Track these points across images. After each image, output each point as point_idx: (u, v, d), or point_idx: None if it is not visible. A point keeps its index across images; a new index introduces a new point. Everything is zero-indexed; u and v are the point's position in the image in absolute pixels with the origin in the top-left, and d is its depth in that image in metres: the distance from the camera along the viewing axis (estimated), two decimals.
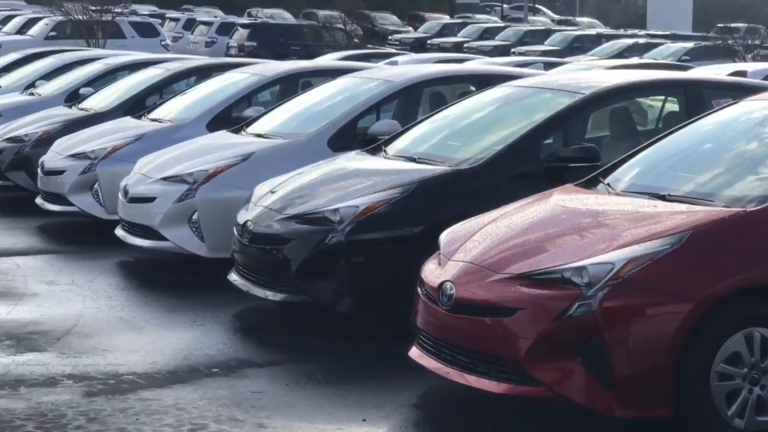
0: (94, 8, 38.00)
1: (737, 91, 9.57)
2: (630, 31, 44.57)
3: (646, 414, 6.39)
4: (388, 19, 56.75)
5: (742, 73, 17.46)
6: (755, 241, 6.58)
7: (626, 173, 7.76)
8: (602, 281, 6.36)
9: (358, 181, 9.09)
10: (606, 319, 6.30)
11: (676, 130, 8.20)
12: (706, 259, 6.53)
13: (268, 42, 37.50)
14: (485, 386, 6.70)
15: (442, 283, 6.98)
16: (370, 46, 36.03)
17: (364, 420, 7.05)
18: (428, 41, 44.61)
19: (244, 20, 46.85)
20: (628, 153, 8.07)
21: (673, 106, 10.01)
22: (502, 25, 50.31)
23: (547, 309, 6.47)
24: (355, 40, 41.91)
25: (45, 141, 14.33)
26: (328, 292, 8.67)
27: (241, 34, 41.21)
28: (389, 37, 48.66)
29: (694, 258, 6.50)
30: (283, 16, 51.27)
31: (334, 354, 8.41)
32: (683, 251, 6.46)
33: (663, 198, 7.18)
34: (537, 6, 64.01)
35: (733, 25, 45.41)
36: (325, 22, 46.93)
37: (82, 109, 16.28)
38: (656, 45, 35.22)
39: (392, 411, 7.18)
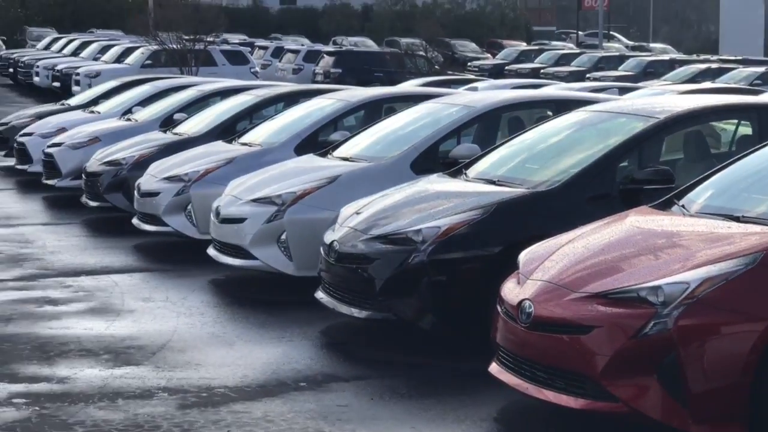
0: (187, 38, 38.47)
1: None
2: (702, 57, 44.10)
3: (720, 430, 6.31)
4: (467, 47, 56.88)
5: None
6: None
7: (700, 195, 7.68)
8: (677, 300, 6.29)
9: (439, 203, 9.08)
10: (681, 337, 6.23)
11: (750, 153, 8.10)
12: None
13: (353, 69, 37.63)
14: (563, 401, 6.65)
15: (521, 302, 6.95)
16: (450, 72, 35.99)
17: None
18: (506, 67, 44.57)
19: (330, 48, 47.15)
20: (702, 175, 8.00)
21: (746, 129, 9.90)
22: (578, 51, 50.08)
23: (624, 327, 6.41)
24: (436, 66, 41.85)
25: (141, 164, 14.41)
26: (411, 310, 8.66)
27: (327, 61, 41.40)
28: (468, 64, 48.72)
29: (767, 278, 6.41)
30: (366, 43, 51.59)
31: (417, 369, 8.40)
32: (757, 271, 6.37)
33: (737, 219, 7.09)
34: (612, 33, 63.66)
35: None
36: (407, 50, 47.06)
37: (176, 134, 16.32)
38: (728, 70, 34.84)
39: (473, 424, 7.17)
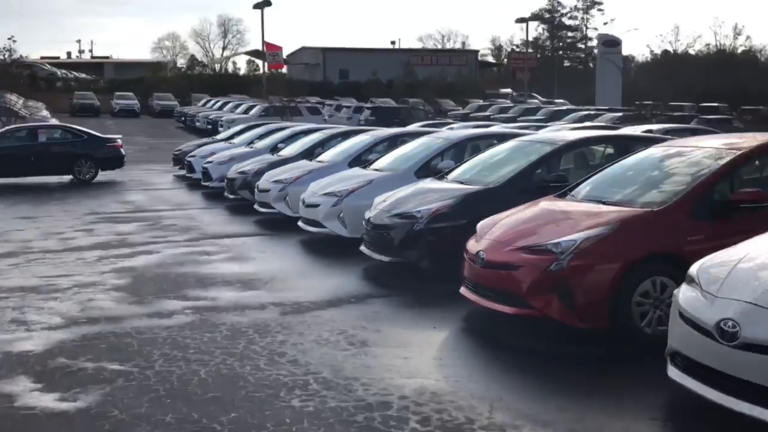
0: (286, 99, 38.99)
1: (648, 141, 9.48)
2: (585, 107, 43.95)
3: (594, 326, 6.40)
4: (448, 103, 57.18)
5: (650, 131, 17.34)
6: (657, 228, 6.56)
7: (583, 189, 7.73)
8: (569, 250, 6.40)
9: (431, 195, 9.14)
10: (571, 272, 6.34)
11: (611, 164, 8.16)
12: (629, 238, 6.50)
13: (382, 117, 37.43)
14: (502, 309, 6.77)
15: (478, 252, 7.06)
16: (438, 118, 36.13)
17: (434, 327, 7.16)
18: (470, 115, 44.42)
19: (368, 105, 47.34)
20: (584, 178, 8.05)
21: (609, 150, 9.95)
22: (512, 105, 50.02)
23: (538, 266, 6.52)
24: (429, 115, 42.43)
25: (258, 174, 14.41)
26: (415, 257, 8.79)
27: (366, 113, 41.37)
28: (449, 113, 48.81)
29: (622, 237, 6.49)
30: (389, 102, 51.65)
31: (420, 291, 8.46)
32: (616, 233, 6.47)
33: (604, 203, 7.16)
34: (532, 94, 63.62)
35: (645, 102, 44.92)
36: (412, 106, 47.72)
37: (279, 156, 16.01)
38: (600, 115, 34.67)
39: (450, 324, 7.24)
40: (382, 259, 9.21)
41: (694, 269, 5.17)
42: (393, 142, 13.72)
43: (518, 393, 5.46)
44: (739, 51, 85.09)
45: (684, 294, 5.03)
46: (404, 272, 8.94)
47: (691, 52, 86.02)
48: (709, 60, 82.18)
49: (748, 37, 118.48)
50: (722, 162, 6.88)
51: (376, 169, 11.75)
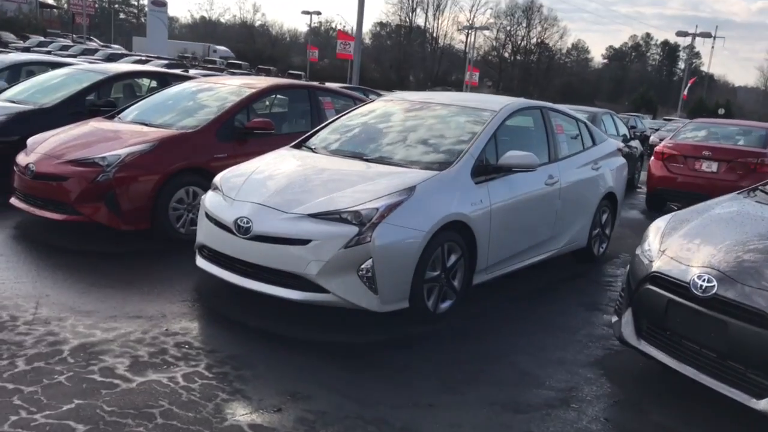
0: None
1: (183, 78, 8.88)
2: (138, 53, 40.17)
3: (137, 227, 5.82)
4: (9, 36, 45.14)
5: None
6: (190, 147, 6.16)
7: (130, 113, 6.95)
8: (115, 163, 5.69)
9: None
10: (117, 182, 5.67)
11: (154, 93, 7.45)
12: (167, 154, 5.97)
13: None
14: (52, 216, 5.79)
15: (27, 164, 5.94)
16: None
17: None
18: (31, 49, 36.75)
19: None
20: (131, 103, 7.25)
21: (154, 84, 9.05)
22: (72, 44, 42.50)
23: (86, 177, 5.68)
24: None
25: None
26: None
27: None
28: (9, 45, 38.86)
29: (161, 153, 5.93)
30: None
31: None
32: (156, 149, 5.91)
33: (147, 125, 6.51)
34: (91, 37, 57.25)
35: (186, 54, 43.68)
36: None
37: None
38: (149, 61, 31.45)
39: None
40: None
41: (218, 179, 4.99)
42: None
43: (65, 290, 4.69)
44: (257, 24, 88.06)
45: (210, 199, 4.81)
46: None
47: (222, 20, 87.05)
48: (235, 29, 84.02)
49: (263, 14, 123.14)
50: (241, 96, 6.76)
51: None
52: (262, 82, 7.34)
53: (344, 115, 6.03)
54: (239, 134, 6.49)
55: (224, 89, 7.11)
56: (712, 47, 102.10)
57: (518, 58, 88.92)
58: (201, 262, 4.73)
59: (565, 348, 4.35)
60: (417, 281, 4.26)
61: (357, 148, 5.26)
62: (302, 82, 7.71)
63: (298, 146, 5.62)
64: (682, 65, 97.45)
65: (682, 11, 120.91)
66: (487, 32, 78.77)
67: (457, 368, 3.90)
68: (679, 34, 38.05)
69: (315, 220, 4.18)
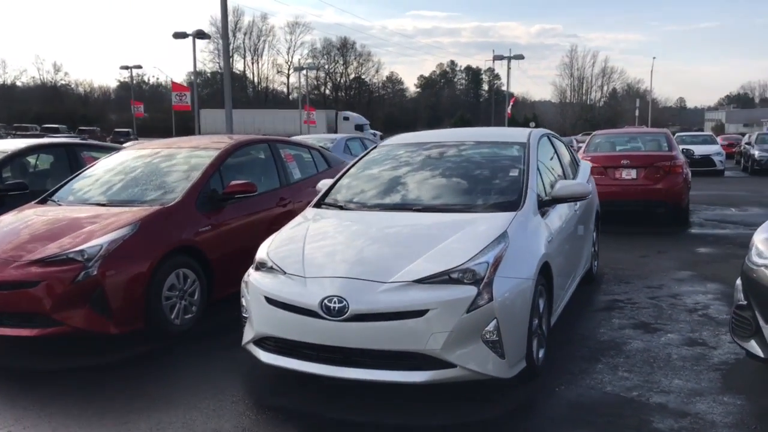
0: None
1: (106, 148, 7.80)
2: None
3: (131, 328, 4.81)
4: None
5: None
6: (174, 223, 5.26)
7: (67, 194, 5.87)
8: (97, 256, 4.67)
9: None
10: (104, 278, 4.64)
11: (88, 168, 6.37)
12: (152, 235, 5.03)
13: None
14: (21, 333, 4.62)
15: None
16: None
17: None
18: None
19: None
20: (62, 183, 6.07)
21: (51, 158, 7.80)
22: None
23: (62, 278, 4.58)
24: None
25: None
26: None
27: None
28: None
29: (146, 236, 4.96)
30: None
31: None
32: (139, 232, 4.95)
33: (104, 205, 5.48)
34: None
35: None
36: None
37: None
38: None
39: None
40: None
41: (265, 256, 4.22)
42: None
43: (59, 424, 3.70)
44: (59, 84, 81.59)
45: (265, 281, 4.02)
46: None
47: (19, 83, 79.82)
48: (35, 90, 77.43)
49: (66, 73, 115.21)
50: (211, 158, 5.92)
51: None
52: (218, 140, 6.53)
53: (355, 165, 5.46)
54: (217, 201, 5.68)
55: (181, 153, 6.23)
56: (509, 68, 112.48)
57: (340, 94, 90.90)
58: (268, 356, 3.93)
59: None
60: (529, 335, 3.86)
61: (395, 199, 4.78)
62: (261, 136, 6.97)
63: (317, 205, 5.01)
64: (486, 87, 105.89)
65: (474, 39, 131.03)
66: (307, 72, 79.71)
67: None
68: (497, 58, 41.10)
69: (423, 287, 3.60)
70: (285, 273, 3.96)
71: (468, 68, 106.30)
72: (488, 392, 3.88)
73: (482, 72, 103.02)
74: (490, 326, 3.57)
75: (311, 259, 3.99)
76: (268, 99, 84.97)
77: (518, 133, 5.41)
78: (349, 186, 5.14)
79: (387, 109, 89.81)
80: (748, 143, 22.33)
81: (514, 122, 66.73)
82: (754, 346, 3.78)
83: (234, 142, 6.36)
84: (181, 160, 6.12)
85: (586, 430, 3.44)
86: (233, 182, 5.80)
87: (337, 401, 3.83)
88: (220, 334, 5.12)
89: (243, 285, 4.20)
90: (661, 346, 4.64)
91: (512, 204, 4.43)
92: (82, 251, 4.69)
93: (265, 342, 3.97)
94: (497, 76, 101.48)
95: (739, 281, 4.00)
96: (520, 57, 40.17)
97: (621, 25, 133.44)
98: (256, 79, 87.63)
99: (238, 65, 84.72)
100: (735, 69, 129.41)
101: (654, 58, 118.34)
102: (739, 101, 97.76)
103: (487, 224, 4.12)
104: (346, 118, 51.29)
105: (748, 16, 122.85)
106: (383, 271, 3.72)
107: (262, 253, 4.27)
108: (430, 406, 3.73)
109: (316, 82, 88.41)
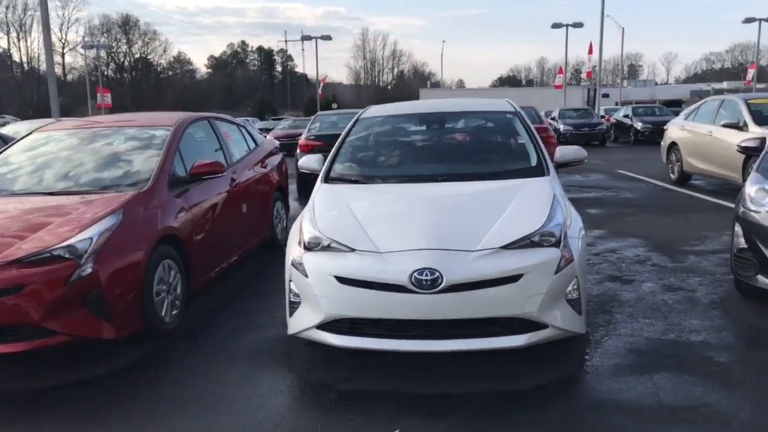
0: None
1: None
2: None
3: (132, 330, 4.22)
4: None
5: None
6: (155, 209, 4.63)
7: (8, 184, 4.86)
8: (89, 251, 3.98)
9: None
10: (102, 275, 3.97)
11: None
12: (139, 223, 4.38)
13: None
14: (4, 350, 3.82)
15: None
16: None
17: None
18: None
19: None
20: None
21: None
22: None
23: (54, 279, 3.84)
24: None
25: None
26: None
27: None
28: None
29: (133, 223, 4.30)
30: None
31: None
32: (126, 220, 4.29)
33: (55, 194, 4.66)
34: None
35: None
36: None
37: None
38: None
39: None
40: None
41: (318, 233, 3.91)
42: None
43: None
44: None
45: (328, 260, 3.74)
46: None
47: None
48: None
49: None
50: (166, 137, 5.28)
51: None
52: (159, 117, 5.81)
53: (348, 140, 5.22)
54: (183, 184, 5.11)
55: (120, 132, 5.47)
56: (303, 50, 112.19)
57: (124, 75, 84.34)
58: (341, 339, 3.66)
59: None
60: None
61: (417, 171, 4.74)
62: (202, 114, 6.28)
63: (328, 181, 4.76)
64: (279, 68, 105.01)
65: (261, 19, 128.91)
66: (82, 50, 72.46)
67: None
68: (305, 38, 41.01)
69: (511, 252, 3.61)
70: (354, 250, 3.73)
71: (260, 48, 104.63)
72: (553, 352, 4.01)
73: (274, 53, 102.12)
74: (572, 285, 3.71)
75: (377, 234, 3.80)
76: (40, 81, 76.12)
77: (501, 103, 5.61)
78: (362, 160, 4.97)
79: (178, 91, 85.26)
80: (553, 118, 24.85)
81: (313, 104, 67.13)
82: (762, 281, 4.36)
83: (185, 117, 5.74)
84: (123, 139, 5.38)
85: (667, 371, 3.71)
86: (199, 162, 5.25)
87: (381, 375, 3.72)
88: (208, 329, 4.65)
89: (291, 268, 3.86)
90: (651, 294, 5.08)
91: (538, 169, 4.64)
92: (70, 246, 3.96)
93: (334, 325, 3.71)
94: (290, 57, 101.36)
95: (738, 228, 4.56)
96: (328, 38, 40.51)
97: (401, 9, 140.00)
98: (24, 59, 78.00)
99: (2, 42, 74.91)
100: (504, 54, 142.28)
101: (444, 41, 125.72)
102: (509, 82, 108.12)
103: (535, 188, 4.27)
104: None
105: (513, 4, 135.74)
106: (466, 240, 3.67)
107: (311, 231, 3.95)
108: (499, 370, 3.78)
109: (96, 63, 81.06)
